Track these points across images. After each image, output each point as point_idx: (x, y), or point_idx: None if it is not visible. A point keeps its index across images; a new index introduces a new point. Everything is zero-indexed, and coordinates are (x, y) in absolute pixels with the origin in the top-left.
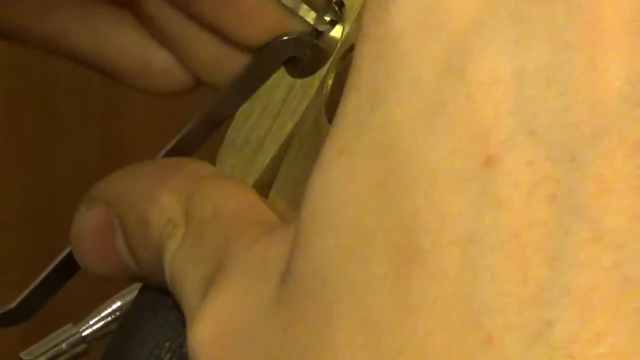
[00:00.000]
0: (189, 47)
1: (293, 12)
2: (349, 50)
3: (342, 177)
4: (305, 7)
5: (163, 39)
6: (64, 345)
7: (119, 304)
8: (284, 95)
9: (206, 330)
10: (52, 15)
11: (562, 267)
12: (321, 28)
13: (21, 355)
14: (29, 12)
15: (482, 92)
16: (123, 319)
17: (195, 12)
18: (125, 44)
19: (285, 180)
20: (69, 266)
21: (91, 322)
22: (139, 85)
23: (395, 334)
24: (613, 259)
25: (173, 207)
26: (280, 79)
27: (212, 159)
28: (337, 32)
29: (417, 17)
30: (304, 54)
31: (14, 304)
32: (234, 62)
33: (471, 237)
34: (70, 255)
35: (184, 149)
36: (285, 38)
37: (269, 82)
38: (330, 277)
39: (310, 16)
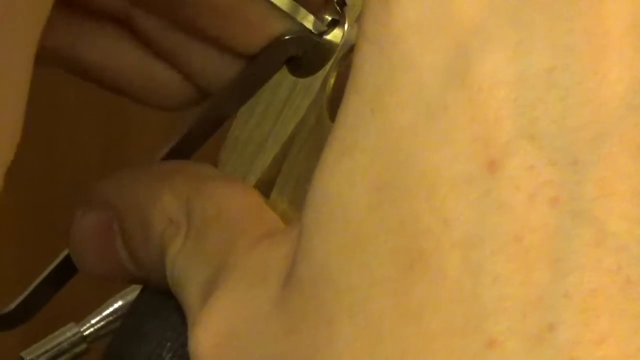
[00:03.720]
0: (189, 60)
1: (293, 18)
2: (351, 49)
3: (343, 180)
4: (304, 11)
5: (163, 55)
6: (65, 345)
7: (120, 303)
8: (286, 95)
9: (208, 333)
10: (60, 32)
11: (564, 270)
12: (323, 27)
13: (22, 354)
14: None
15: (483, 96)
16: (124, 319)
17: (194, 28)
18: (129, 61)
19: (287, 180)
20: (66, 269)
21: (92, 322)
22: (145, 100)
23: (397, 338)
24: (615, 262)
25: (174, 208)
26: (282, 78)
27: (213, 159)
28: (339, 31)
29: (418, 19)
30: (305, 53)
31: (11, 307)
32: (235, 70)
33: (473, 241)
34: (67, 259)
35: (185, 149)
36: (287, 37)
37: (271, 81)
38: (331, 281)
39: (309, 20)
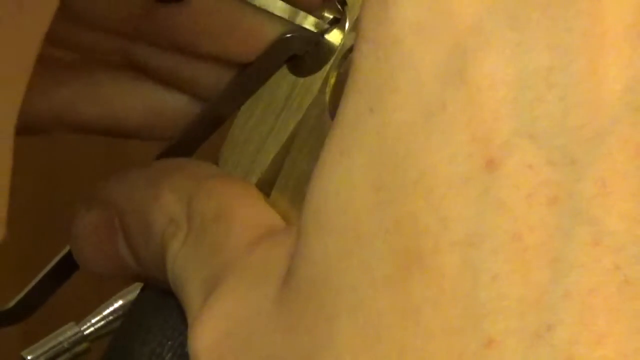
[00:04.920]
0: (193, 80)
1: (291, 23)
2: (351, 49)
3: (342, 180)
4: (303, 13)
5: (167, 81)
6: (65, 344)
7: (120, 302)
8: (286, 94)
9: (207, 332)
10: (56, 94)
11: (562, 270)
12: (323, 26)
13: (23, 353)
14: (35, 94)
15: (482, 95)
16: (125, 318)
17: (193, 50)
18: (133, 101)
19: (287, 178)
20: (67, 267)
21: (93, 321)
22: (158, 134)
23: (395, 337)
24: (613, 262)
25: (175, 207)
26: (283, 77)
27: (214, 158)
28: (339, 30)
29: (417, 19)
30: (306, 52)
31: (11, 304)
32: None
33: (471, 240)
34: (67, 256)
35: (185, 148)
36: (288, 36)
37: (272, 80)
38: (331, 280)
39: (309, 21)
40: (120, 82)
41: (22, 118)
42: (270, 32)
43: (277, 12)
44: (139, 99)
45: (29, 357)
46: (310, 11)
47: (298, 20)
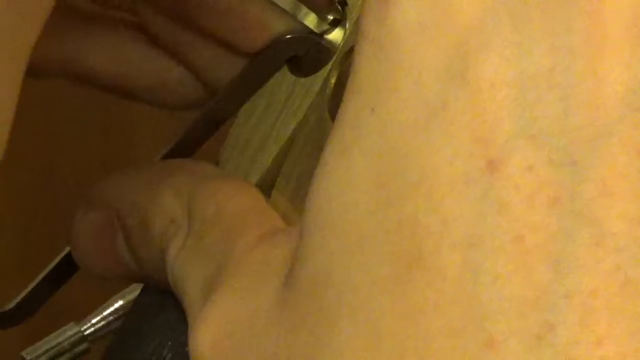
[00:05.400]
0: (197, 58)
1: (294, 18)
2: (352, 49)
3: (343, 180)
4: (305, 9)
5: (173, 53)
6: (65, 344)
7: (121, 302)
8: (286, 94)
9: (208, 333)
10: (68, 43)
11: (564, 271)
12: (324, 27)
13: (23, 353)
14: (47, 38)
15: (482, 96)
16: (125, 318)
17: (198, 26)
18: (141, 63)
19: (288, 179)
20: (67, 267)
21: (93, 321)
22: (157, 101)
23: (396, 337)
24: (614, 262)
25: (175, 207)
26: (283, 78)
27: (214, 158)
28: (340, 30)
29: (418, 19)
30: (306, 52)
31: (11, 305)
32: (238, 67)
33: (472, 241)
34: (68, 257)
35: (186, 148)
36: (288, 37)
37: (272, 80)
38: (332, 281)
39: (311, 18)
40: (132, 42)
41: (31, 59)
42: (271, 22)
43: (281, 3)
44: (147, 62)
45: (29, 357)
46: (315, 10)
47: (301, 16)
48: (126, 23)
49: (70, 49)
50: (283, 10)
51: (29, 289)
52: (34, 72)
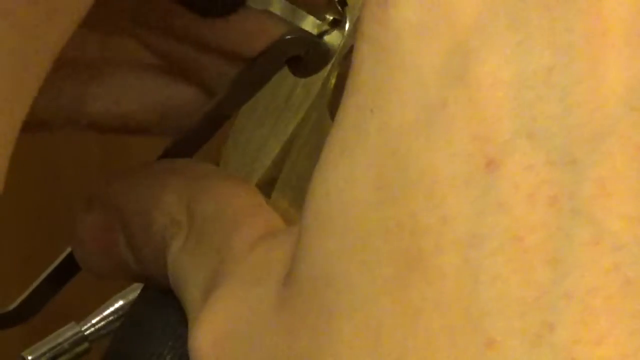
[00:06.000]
0: (199, 70)
1: (293, 25)
2: (352, 49)
3: (342, 180)
4: (303, 12)
5: (174, 69)
6: (66, 344)
7: (121, 302)
8: (287, 94)
9: (208, 333)
10: (65, 89)
11: (563, 270)
12: (324, 27)
13: (23, 354)
14: (44, 91)
15: (482, 95)
16: (126, 318)
17: (195, 39)
18: (142, 97)
19: (288, 179)
20: (69, 267)
21: (93, 321)
22: (169, 128)
23: (396, 337)
24: (614, 262)
25: (176, 207)
26: (283, 78)
27: (214, 158)
28: (340, 31)
29: (417, 19)
30: (306, 52)
31: (13, 305)
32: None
33: (472, 240)
34: (70, 257)
35: (186, 148)
36: (288, 37)
37: (272, 81)
38: (331, 281)
39: (309, 21)
40: (128, 78)
41: (28, 115)
42: (269, 30)
43: (277, 11)
44: (147, 94)
45: (29, 358)
46: (313, 12)
47: (296, 21)
48: (118, 60)
49: (67, 100)
50: (280, 18)
51: (30, 289)
52: (35, 126)
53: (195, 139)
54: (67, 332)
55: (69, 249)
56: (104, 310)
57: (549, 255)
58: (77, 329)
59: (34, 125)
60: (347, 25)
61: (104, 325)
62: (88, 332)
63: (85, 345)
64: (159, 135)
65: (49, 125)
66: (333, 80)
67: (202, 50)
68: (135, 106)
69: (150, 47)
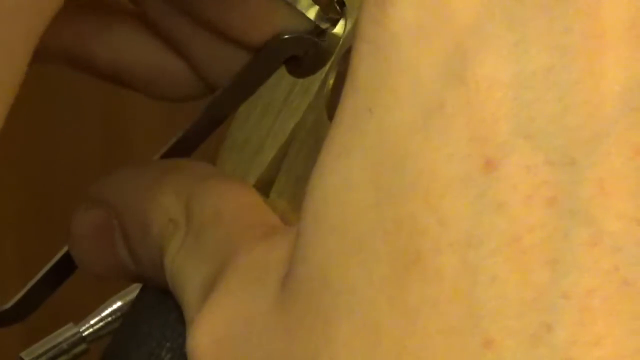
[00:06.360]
0: (196, 51)
1: (296, 10)
2: (350, 49)
3: (340, 180)
4: (307, 1)
5: (172, 45)
6: (64, 345)
7: (119, 303)
8: (285, 95)
9: (206, 334)
10: (69, 29)
11: (561, 271)
12: (323, 26)
13: (21, 354)
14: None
15: (480, 96)
16: (124, 319)
17: (199, 18)
18: (141, 53)
19: (286, 180)
20: (66, 266)
21: (92, 322)
22: (155, 93)
23: (394, 337)
24: (612, 262)
25: (174, 207)
26: (281, 78)
27: (212, 159)
28: (338, 31)
29: (415, 20)
30: (305, 53)
31: (9, 304)
32: (240, 63)
33: (470, 241)
34: (66, 256)
35: (184, 148)
36: (286, 37)
37: (270, 81)
38: (330, 281)
39: (313, 11)
40: (134, 32)
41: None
42: (273, 15)
43: None
44: (146, 53)
45: (27, 358)
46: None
47: (302, 6)
48: (128, 13)
49: (71, 35)
50: (285, 3)
51: (27, 287)
52: (34, 57)
53: (193, 139)
54: (65, 333)
55: (65, 248)
56: (102, 311)
57: (548, 255)
58: (75, 330)
59: (33, 57)
60: (345, 26)
61: (102, 326)
62: (86, 333)
63: (84, 346)
64: (145, 95)
65: (47, 59)
66: (331, 81)
67: (202, 28)
68: (132, 61)
69: (151, 13)
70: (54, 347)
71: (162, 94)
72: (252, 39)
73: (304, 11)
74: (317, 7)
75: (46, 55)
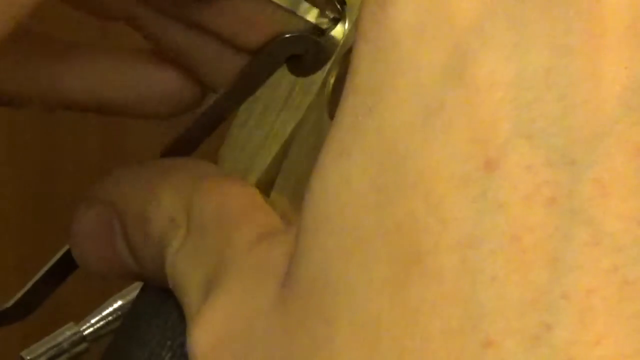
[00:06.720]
0: (193, 56)
1: (293, 13)
2: (351, 49)
3: (340, 180)
4: (306, 4)
5: (166, 53)
6: (65, 345)
7: (120, 303)
8: (285, 94)
9: (206, 333)
10: (45, 69)
11: (561, 271)
12: (323, 26)
13: (22, 354)
14: (23, 69)
15: (480, 96)
16: (124, 318)
17: (196, 24)
18: (119, 77)
19: (287, 179)
20: (66, 265)
21: (92, 321)
22: (149, 112)
23: (394, 338)
24: (612, 262)
25: (174, 206)
26: (282, 77)
27: (213, 158)
28: (339, 30)
29: (416, 20)
30: (306, 52)
31: (10, 303)
32: (238, 66)
33: (470, 241)
34: (67, 254)
35: (184, 147)
36: (287, 36)
37: (271, 80)
38: (330, 281)
39: (312, 14)
40: (106, 61)
41: (3, 90)
42: (271, 19)
43: (280, 1)
44: (125, 75)
45: (28, 358)
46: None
47: (301, 11)
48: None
49: (47, 78)
50: (282, 8)
51: (27, 286)
52: (14, 102)
53: (194, 138)
54: (66, 332)
55: (66, 247)
56: (102, 311)
57: (548, 255)
58: (75, 329)
59: (8, 102)
60: (346, 25)
61: (102, 326)
62: (87, 332)
63: (84, 345)
64: (142, 118)
65: (21, 101)
66: (332, 80)
67: (196, 33)
68: (112, 87)
69: (142, 27)
70: (55, 346)
71: (157, 112)
72: (250, 42)
73: (302, 14)
74: (316, 10)
75: (23, 100)
